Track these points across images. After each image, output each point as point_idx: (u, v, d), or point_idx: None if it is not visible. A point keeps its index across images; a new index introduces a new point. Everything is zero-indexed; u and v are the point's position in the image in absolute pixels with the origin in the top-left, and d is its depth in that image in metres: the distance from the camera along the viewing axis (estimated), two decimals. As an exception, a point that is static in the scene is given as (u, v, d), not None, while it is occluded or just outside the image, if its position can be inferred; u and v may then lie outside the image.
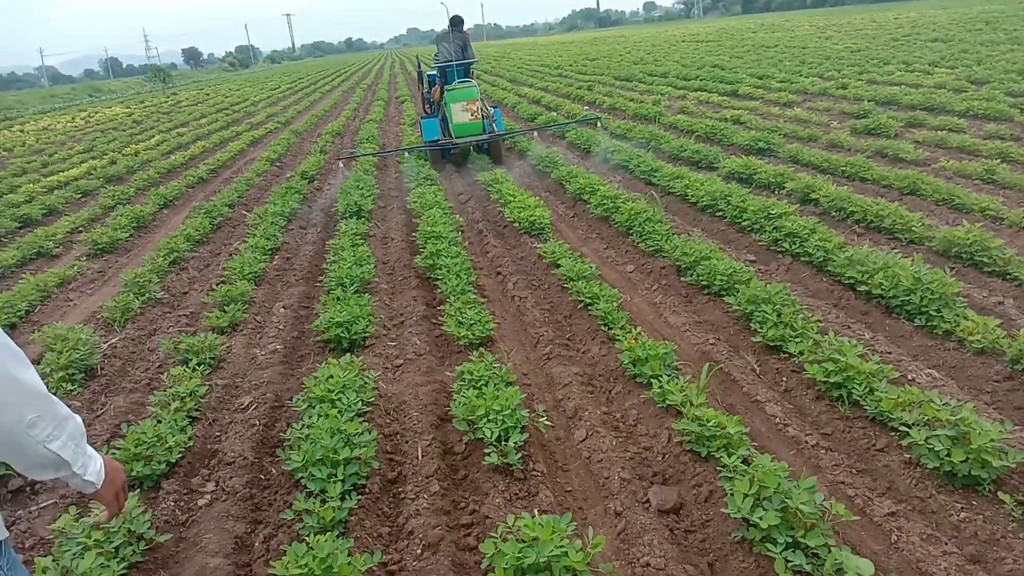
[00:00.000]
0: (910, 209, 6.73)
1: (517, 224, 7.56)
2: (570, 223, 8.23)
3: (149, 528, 3.21)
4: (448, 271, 6.02)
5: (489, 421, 3.67)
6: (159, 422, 4.03)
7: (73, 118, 32.64)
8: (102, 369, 5.22)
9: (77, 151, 18.73)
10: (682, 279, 5.80)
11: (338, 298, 5.64)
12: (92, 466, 1.73)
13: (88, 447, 1.72)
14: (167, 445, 3.80)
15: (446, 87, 11.10)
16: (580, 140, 12.32)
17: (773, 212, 6.44)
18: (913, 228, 6.11)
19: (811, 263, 5.80)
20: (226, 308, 5.83)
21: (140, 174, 13.22)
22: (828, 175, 8.47)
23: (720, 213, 7.27)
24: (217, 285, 6.43)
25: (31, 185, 12.92)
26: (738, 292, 5.05)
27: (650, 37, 55.04)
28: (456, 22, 11.41)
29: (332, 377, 4.21)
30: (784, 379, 4.26)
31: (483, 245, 7.54)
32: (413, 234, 7.64)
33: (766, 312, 4.63)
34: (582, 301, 5.42)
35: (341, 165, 11.48)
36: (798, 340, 4.35)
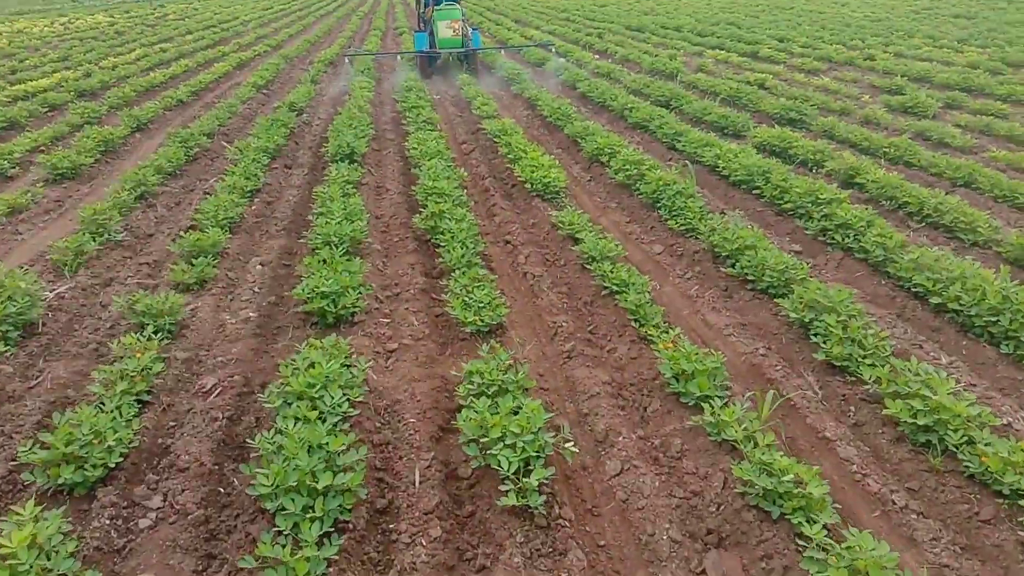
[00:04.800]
0: (965, 203, 6.02)
1: (528, 185, 6.76)
2: (586, 187, 7.44)
3: (73, 562, 2.51)
4: (452, 237, 5.26)
5: (506, 446, 2.97)
6: (100, 410, 3.30)
7: (52, 23, 30.78)
8: (44, 325, 4.44)
9: (51, 59, 17.39)
10: (721, 269, 5.08)
11: (324, 260, 4.87)
12: None
13: None
14: (107, 444, 3.08)
15: (435, 8, 13.58)
16: (533, 60, 15.44)
17: (822, 197, 5.70)
18: (978, 228, 5.42)
19: (867, 261, 5.10)
20: (194, 261, 5.05)
21: (115, 91, 12.12)
22: (869, 156, 7.73)
23: (757, 191, 6.52)
24: (186, 232, 5.63)
25: (-6, 93, 11.80)
26: (792, 293, 4.35)
27: (659, -13, 53.03)
28: None
29: (314, 366, 3.49)
30: (853, 409, 3.59)
31: (489, 207, 6.74)
32: (412, 187, 6.80)
33: (829, 323, 3.94)
34: (607, 287, 4.69)
35: (347, 61, 14.09)
36: (870, 363, 3.67)
